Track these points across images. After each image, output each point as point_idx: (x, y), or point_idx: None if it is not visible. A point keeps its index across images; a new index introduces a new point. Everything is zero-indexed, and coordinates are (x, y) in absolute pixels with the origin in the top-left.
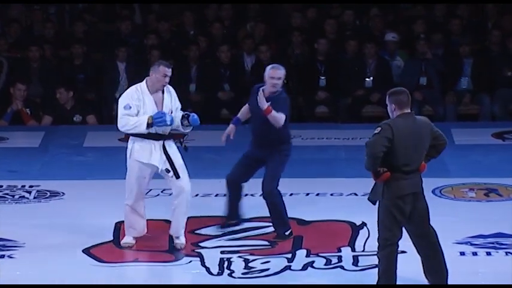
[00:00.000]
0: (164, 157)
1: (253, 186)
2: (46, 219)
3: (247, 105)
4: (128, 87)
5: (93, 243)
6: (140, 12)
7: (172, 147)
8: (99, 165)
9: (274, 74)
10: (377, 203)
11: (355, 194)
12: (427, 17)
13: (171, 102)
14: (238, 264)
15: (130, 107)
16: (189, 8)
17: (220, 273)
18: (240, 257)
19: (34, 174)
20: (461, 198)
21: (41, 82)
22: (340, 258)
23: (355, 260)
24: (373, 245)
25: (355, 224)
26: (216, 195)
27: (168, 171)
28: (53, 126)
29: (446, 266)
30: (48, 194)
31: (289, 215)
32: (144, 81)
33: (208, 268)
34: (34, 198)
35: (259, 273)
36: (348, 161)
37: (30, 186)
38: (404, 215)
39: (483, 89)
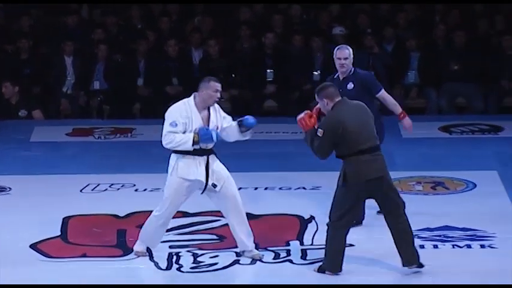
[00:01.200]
0: (208, 172)
1: None
2: None
3: None
4: (75, 82)
5: (40, 239)
6: (87, 6)
7: (215, 161)
8: (46, 160)
9: (341, 55)
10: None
11: (304, 188)
12: (373, 12)
13: (217, 118)
14: (186, 259)
15: (176, 125)
16: (136, 2)
17: (168, 268)
18: (188, 251)
19: None
20: (408, 191)
21: None
22: (288, 252)
23: (304, 254)
24: (321, 238)
25: (303, 217)
26: None
27: (214, 186)
28: None
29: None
30: None
31: None
32: (192, 97)
33: (157, 263)
34: None
35: (207, 267)
36: (297, 155)
37: None
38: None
39: (430, 82)
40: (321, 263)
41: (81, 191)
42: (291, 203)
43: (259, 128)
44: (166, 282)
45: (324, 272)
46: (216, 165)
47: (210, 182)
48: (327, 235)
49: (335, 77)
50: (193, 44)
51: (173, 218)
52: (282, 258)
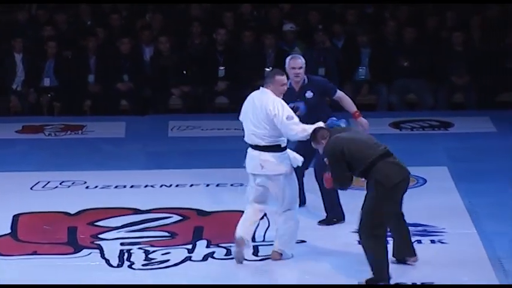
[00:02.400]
0: None
1: (152, 178)
2: None
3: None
4: (25, 79)
5: None
6: (37, 4)
7: None
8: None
9: (295, 64)
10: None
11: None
12: (324, 8)
13: None
14: (138, 256)
15: (293, 117)
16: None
17: (120, 265)
18: (140, 248)
19: None
20: (360, 187)
21: None
22: None
23: (255, 250)
24: (273, 234)
25: None
26: (116, 187)
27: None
28: None
29: None
30: None
31: (189, 206)
32: (270, 92)
33: (108, 260)
34: None
35: (159, 264)
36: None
37: None
38: None
39: (380, 79)
40: (370, 276)
41: (31, 188)
42: (242, 200)
43: (210, 125)
44: (118, 279)
45: (377, 285)
46: None
47: None
48: (368, 246)
49: (289, 86)
50: (144, 41)
51: (124, 215)
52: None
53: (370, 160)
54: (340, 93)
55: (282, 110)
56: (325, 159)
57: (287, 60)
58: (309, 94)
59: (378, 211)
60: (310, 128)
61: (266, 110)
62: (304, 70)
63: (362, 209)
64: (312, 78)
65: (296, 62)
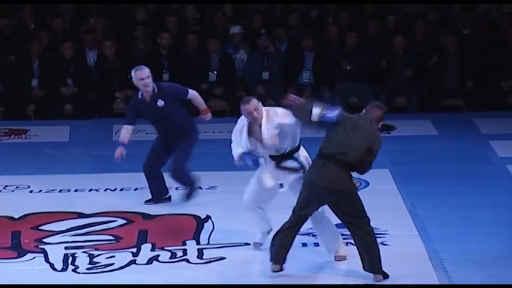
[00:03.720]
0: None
1: (96, 181)
2: None
3: (128, 126)
4: None
5: None
6: None
7: None
8: None
9: (143, 75)
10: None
11: (200, 188)
12: (266, 12)
13: (268, 129)
14: (82, 260)
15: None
16: (28, 2)
17: (64, 269)
18: (84, 252)
19: None
20: None
21: None
22: (185, 252)
23: (200, 253)
24: (217, 237)
25: (199, 217)
26: (60, 191)
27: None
28: None
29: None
30: None
31: (133, 209)
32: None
33: (52, 264)
34: None
35: (103, 268)
36: (192, 155)
37: None
38: None
39: (324, 82)
40: (379, 276)
41: None
42: (187, 203)
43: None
44: (62, 283)
45: (388, 276)
46: None
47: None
48: (369, 241)
49: (139, 98)
50: (88, 45)
51: (68, 219)
52: (178, 257)
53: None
54: (192, 93)
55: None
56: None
57: (133, 72)
58: (160, 103)
59: (361, 209)
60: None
61: None
62: (152, 79)
63: None
64: (161, 86)
65: (143, 72)
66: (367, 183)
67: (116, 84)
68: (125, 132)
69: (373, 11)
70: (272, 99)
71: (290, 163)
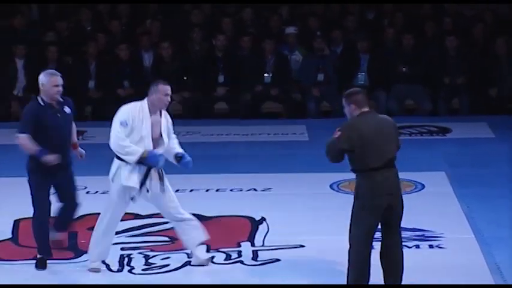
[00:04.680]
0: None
1: None
2: None
3: (26, 135)
4: (26, 84)
5: None
6: (38, 9)
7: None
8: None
9: (59, 82)
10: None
11: (255, 190)
12: (323, 14)
13: (168, 127)
14: (138, 261)
15: (127, 124)
16: (85, 5)
17: (120, 270)
18: (140, 253)
19: None
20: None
21: None
22: (240, 253)
23: (255, 255)
24: (272, 239)
25: (254, 219)
26: None
27: (147, 191)
28: None
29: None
30: None
31: (190, 211)
32: (145, 100)
33: (108, 265)
34: None
35: (159, 269)
36: (248, 157)
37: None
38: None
39: (379, 84)
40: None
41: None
42: (242, 205)
43: (210, 130)
44: (119, 283)
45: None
46: (155, 175)
47: (144, 188)
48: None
49: (43, 105)
50: (144, 47)
51: (125, 220)
52: (233, 259)
53: (368, 167)
54: None
55: (115, 119)
56: (337, 130)
57: (46, 77)
58: (67, 109)
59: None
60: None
61: None
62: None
63: None
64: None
65: (59, 79)
66: (423, 186)
67: (172, 86)
68: (31, 142)
69: (429, 12)
70: (327, 101)
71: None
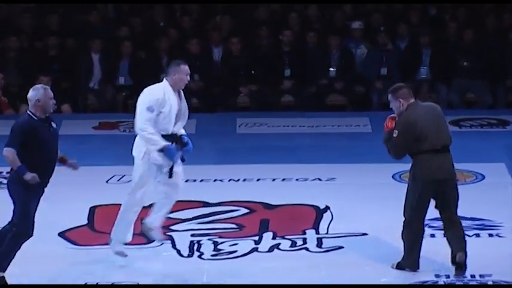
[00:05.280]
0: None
1: (220, 172)
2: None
3: (13, 149)
4: (101, 77)
5: (68, 227)
6: (113, 6)
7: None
8: (74, 152)
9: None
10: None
11: (319, 179)
12: (387, 10)
13: (184, 105)
14: (207, 247)
15: (153, 110)
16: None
17: (190, 255)
18: (209, 239)
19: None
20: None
21: (19, 71)
22: (305, 240)
23: (319, 242)
24: (336, 227)
25: (319, 207)
26: (187, 181)
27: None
28: None
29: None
30: None
31: (255, 199)
32: (165, 81)
33: (179, 250)
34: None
35: (227, 255)
36: (313, 148)
37: (7, 173)
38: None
39: (440, 78)
40: (399, 260)
41: (107, 181)
42: (307, 194)
43: (276, 122)
44: (189, 268)
45: (403, 269)
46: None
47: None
48: (402, 233)
49: (36, 119)
50: (214, 42)
51: (194, 207)
52: (298, 246)
53: (426, 149)
54: None
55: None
56: (395, 131)
57: (39, 91)
58: (54, 125)
59: (409, 200)
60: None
61: None
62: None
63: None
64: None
65: (51, 92)
66: (483, 177)
67: (240, 79)
68: (15, 156)
69: (491, 7)
70: None
71: None
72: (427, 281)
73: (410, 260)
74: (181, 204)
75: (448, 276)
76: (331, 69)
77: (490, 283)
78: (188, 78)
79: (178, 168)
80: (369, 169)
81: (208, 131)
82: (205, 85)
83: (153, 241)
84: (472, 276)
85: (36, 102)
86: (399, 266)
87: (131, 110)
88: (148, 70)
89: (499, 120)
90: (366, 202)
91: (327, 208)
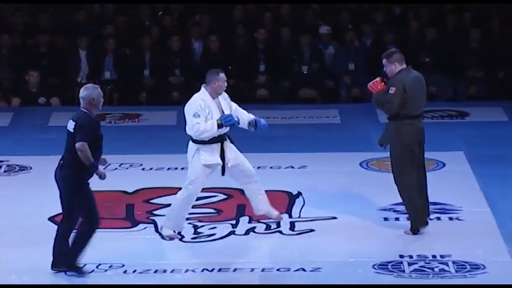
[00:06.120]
0: (224, 155)
1: None
2: (15, 191)
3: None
4: (88, 72)
5: (57, 212)
6: (99, 5)
7: (228, 145)
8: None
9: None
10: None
11: (292, 167)
12: (354, 10)
13: (227, 103)
14: (188, 230)
15: (199, 115)
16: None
17: (172, 238)
18: (189, 223)
19: (4, 151)
20: (385, 169)
21: (11, 67)
22: (278, 224)
23: (292, 225)
24: (307, 211)
25: (291, 193)
26: (169, 169)
27: (228, 164)
28: (20, 107)
29: None
30: (17, 168)
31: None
32: (204, 90)
33: (161, 234)
34: (4, 172)
35: (206, 237)
36: (286, 138)
37: (1, 161)
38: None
39: None
40: (410, 227)
41: None
42: (280, 181)
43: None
44: (170, 251)
45: (418, 232)
46: (229, 148)
47: (226, 163)
48: (402, 197)
49: (94, 117)
50: (195, 36)
51: (176, 194)
52: (272, 229)
53: (410, 114)
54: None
55: (188, 113)
56: (392, 87)
57: (94, 92)
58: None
59: (398, 164)
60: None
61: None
62: None
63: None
64: None
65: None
66: (444, 164)
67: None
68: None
69: (451, 8)
70: (357, 87)
71: None
72: (392, 261)
73: (416, 219)
74: (164, 191)
75: (411, 257)
76: (304, 66)
77: (450, 263)
78: (226, 84)
79: (235, 155)
80: (338, 157)
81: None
82: (185, 79)
83: (136, 225)
84: (434, 256)
85: (91, 100)
86: (413, 230)
87: (116, 102)
88: (132, 65)
89: (459, 112)
90: (335, 188)
91: (299, 194)
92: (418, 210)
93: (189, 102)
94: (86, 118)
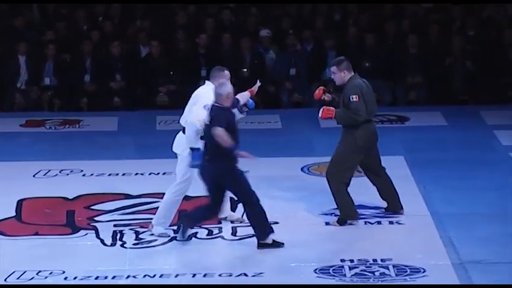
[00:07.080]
0: None
1: (141, 167)
2: None
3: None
4: (28, 78)
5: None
6: (38, 10)
7: None
8: (2, 149)
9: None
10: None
11: None
12: (295, 15)
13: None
14: (129, 236)
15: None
16: (81, 6)
17: (113, 244)
18: (131, 229)
19: None
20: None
21: None
22: (220, 229)
23: (234, 231)
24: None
25: (233, 198)
26: (109, 175)
27: None
28: None
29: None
30: None
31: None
32: (209, 84)
33: (103, 240)
34: None
35: (148, 243)
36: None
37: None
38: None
39: None
40: (338, 217)
41: (34, 176)
42: None
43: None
44: (112, 257)
45: (345, 223)
46: None
47: None
48: (332, 191)
49: (227, 107)
50: (141, 42)
51: (116, 200)
52: (214, 234)
53: (367, 118)
54: None
55: (198, 101)
56: (352, 96)
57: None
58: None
59: (343, 161)
60: None
61: None
62: None
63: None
64: None
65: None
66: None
67: (160, 80)
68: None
69: (390, 13)
70: (298, 93)
71: None
72: (333, 265)
73: (348, 211)
74: (105, 197)
75: (352, 261)
76: (244, 70)
77: (390, 267)
78: (229, 82)
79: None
80: (280, 162)
81: (129, 128)
82: (126, 85)
83: (77, 231)
84: (374, 260)
85: (228, 95)
86: (341, 221)
87: (56, 108)
88: (72, 71)
89: (398, 117)
90: (277, 193)
91: None
92: (348, 203)
93: (201, 91)
94: (223, 113)
